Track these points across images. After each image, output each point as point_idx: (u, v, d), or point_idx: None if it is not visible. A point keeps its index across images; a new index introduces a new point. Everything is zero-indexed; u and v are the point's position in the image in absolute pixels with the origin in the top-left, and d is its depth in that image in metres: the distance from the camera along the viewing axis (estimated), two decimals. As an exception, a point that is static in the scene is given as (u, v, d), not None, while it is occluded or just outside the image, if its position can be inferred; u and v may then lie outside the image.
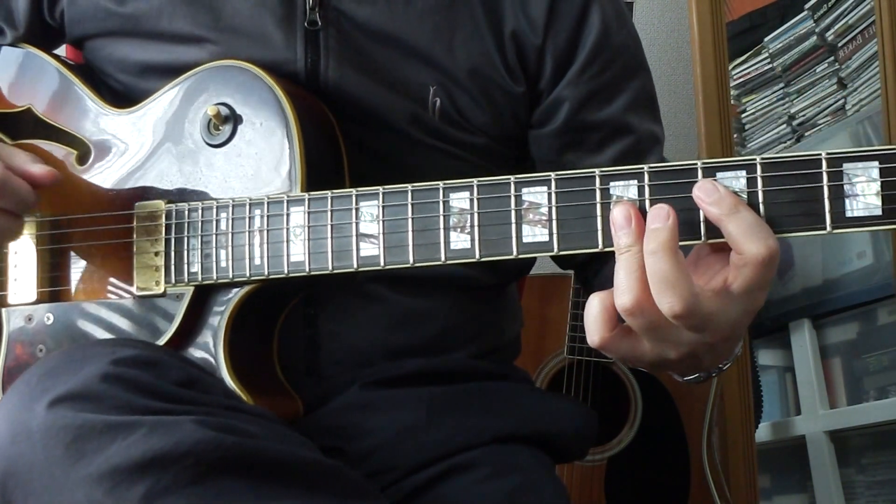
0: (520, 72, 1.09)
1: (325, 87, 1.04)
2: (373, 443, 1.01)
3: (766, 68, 2.42)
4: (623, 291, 0.79)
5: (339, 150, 1.02)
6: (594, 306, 0.81)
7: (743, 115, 2.50)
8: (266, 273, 0.94)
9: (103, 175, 1.06)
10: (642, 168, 0.82)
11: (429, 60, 1.06)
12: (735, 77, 2.45)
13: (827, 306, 2.16)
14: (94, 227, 0.98)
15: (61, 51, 1.21)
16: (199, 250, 0.97)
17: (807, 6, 2.28)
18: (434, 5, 1.07)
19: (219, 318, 0.97)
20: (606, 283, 0.84)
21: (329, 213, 0.92)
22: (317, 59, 1.04)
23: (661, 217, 0.78)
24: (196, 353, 0.98)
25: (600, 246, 0.83)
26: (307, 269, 0.92)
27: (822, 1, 2.25)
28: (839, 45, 2.22)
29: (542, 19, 1.08)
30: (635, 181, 0.82)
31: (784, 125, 2.39)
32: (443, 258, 0.87)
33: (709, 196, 0.79)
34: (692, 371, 0.91)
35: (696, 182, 0.80)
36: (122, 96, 1.10)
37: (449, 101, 1.06)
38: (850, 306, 2.11)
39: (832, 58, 2.25)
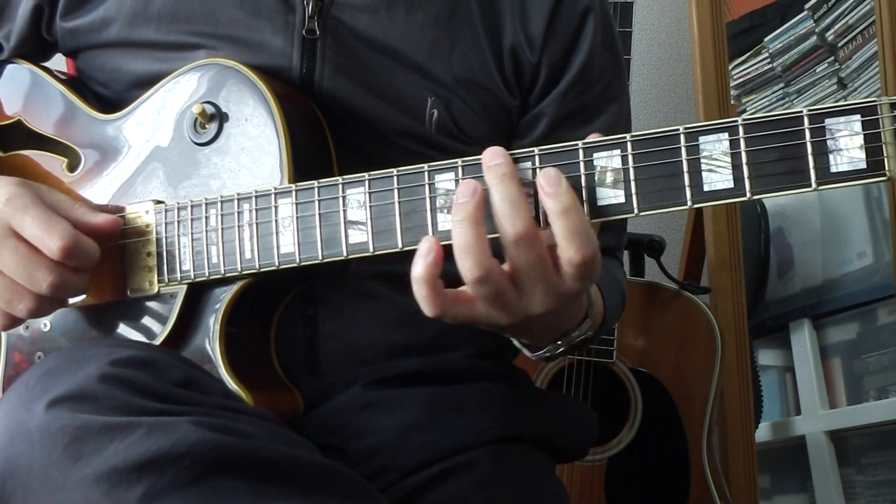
0: (515, 85, 1.11)
1: (318, 96, 1.04)
2: (373, 443, 1.01)
3: (766, 68, 2.42)
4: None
5: (326, 145, 1.02)
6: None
7: (743, 116, 2.49)
8: (257, 266, 0.95)
9: (94, 181, 1.06)
10: (625, 137, 0.82)
11: (427, 72, 1.06)
12: (735, 77, 2.45)
13: (827, 306, 2.16)
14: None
15: (60, 64, 1.21)
16: (191, 248, 0.98)
17: (807, 6, 2.28)
18: (435, 17, 1.07)
19: (213, 315, 0.97)
20: None
21: (316, 203, 0.92)
22: (312, 68, 1.04)
23: (496, 154, 0.83)
24: (193, 351, 0.98)
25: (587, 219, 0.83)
26: (297, 260, 0.93)
27: (822, 1, 2.25)
28: (839, 45, 2.22)
29: (539, 37, 1.09)
30: (619, 151, 0.82)
31: (784, 125, 2.38)
32: None
33: (550, 186, 0.81)
34: (528, 339, 0.98)
35: (679, 147, 0.80)
36: (112, 104, 1.10)
37: (447, 113, 1.07)
38: (850, 306, 2.11)
39: (832, 58, 2.25)
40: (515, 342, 1.02)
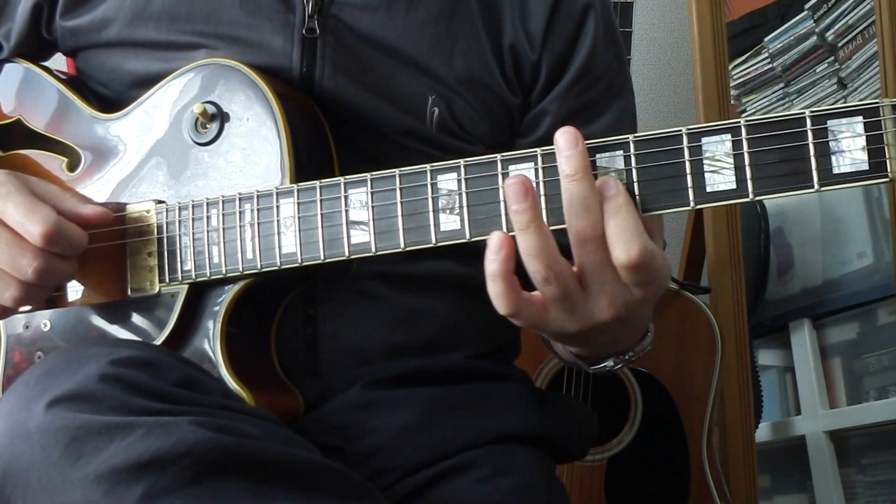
0: (516, 83, 1.10)
1: (318, 95, 1.04)
2: (373, 443, 1.01)
3: (766, 68, 2.42)
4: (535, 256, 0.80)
5: (327, 145, 1.02)
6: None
7: (743, 116, 2.49)
8: (259, 266, 0.94)
9: (94, 180, 1.06)
10: (627, 138, 0.82)
11: (427, 70, 1.06)
12: (735, 77, 2.45)
13: (827, 306, 2.16)
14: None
15: (61, 63, 1.21)
16: (192, 248, 0.98)
17: (807, 6, 2.28)
18: (435, 15, 1.07)
19: (214, 315, 0.97)
20: None
21: (318, 203, 0.92)
22: (312, 67, 1.04)
23: (571, 143, 0.80)
24: (193, 350, 0.98)
25: None
26: (299, 260, 0.93)
27: (822, 1, 2.25)
28: (839, 45, 2.22)
29: (539, 35, 1.09)
30: (621, 151, 0.82)
31: (784, 125, 2.38)
32: (433, 240, 0.87)
33: (608, 190, 0.80)
34: (591, 351, 0.96)
35: (682, 148, 0.80)
36: (112, 103, 1.10)
37: (447, 111, 1.07)
38: (850, 306, 2.11)
39: (832, 58, 2.25)
40: (575, 358, 1.02)
